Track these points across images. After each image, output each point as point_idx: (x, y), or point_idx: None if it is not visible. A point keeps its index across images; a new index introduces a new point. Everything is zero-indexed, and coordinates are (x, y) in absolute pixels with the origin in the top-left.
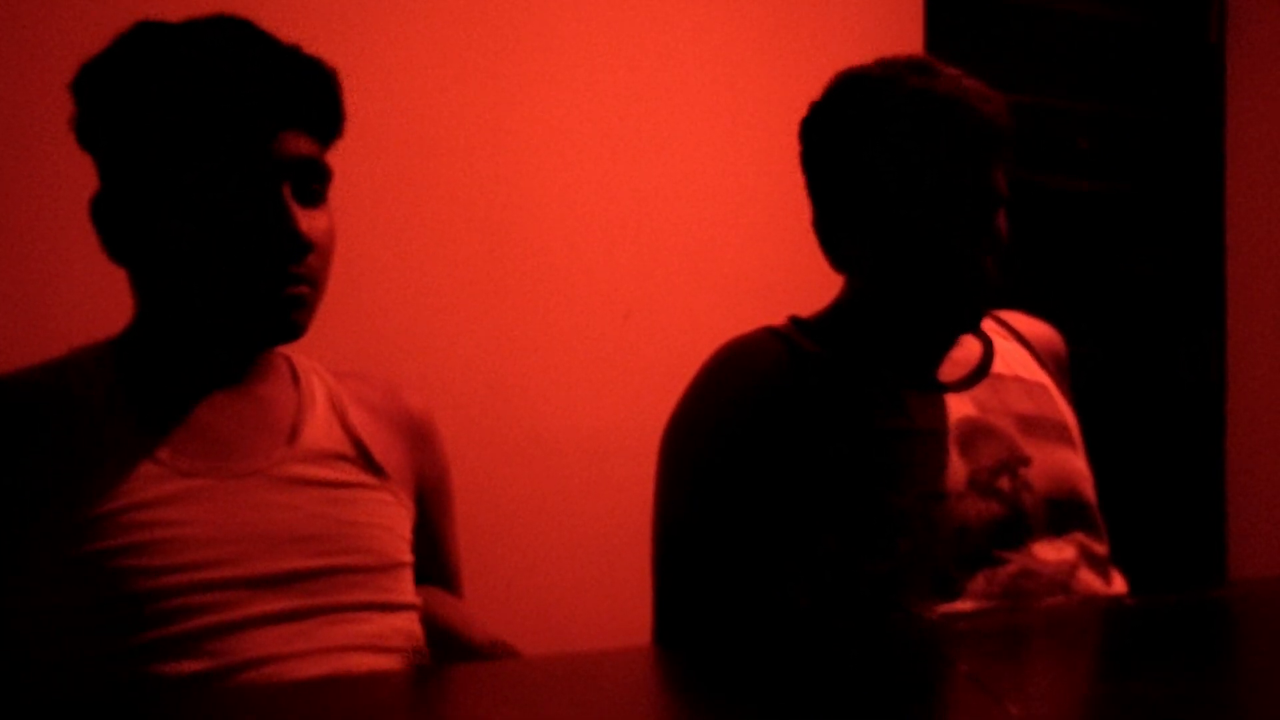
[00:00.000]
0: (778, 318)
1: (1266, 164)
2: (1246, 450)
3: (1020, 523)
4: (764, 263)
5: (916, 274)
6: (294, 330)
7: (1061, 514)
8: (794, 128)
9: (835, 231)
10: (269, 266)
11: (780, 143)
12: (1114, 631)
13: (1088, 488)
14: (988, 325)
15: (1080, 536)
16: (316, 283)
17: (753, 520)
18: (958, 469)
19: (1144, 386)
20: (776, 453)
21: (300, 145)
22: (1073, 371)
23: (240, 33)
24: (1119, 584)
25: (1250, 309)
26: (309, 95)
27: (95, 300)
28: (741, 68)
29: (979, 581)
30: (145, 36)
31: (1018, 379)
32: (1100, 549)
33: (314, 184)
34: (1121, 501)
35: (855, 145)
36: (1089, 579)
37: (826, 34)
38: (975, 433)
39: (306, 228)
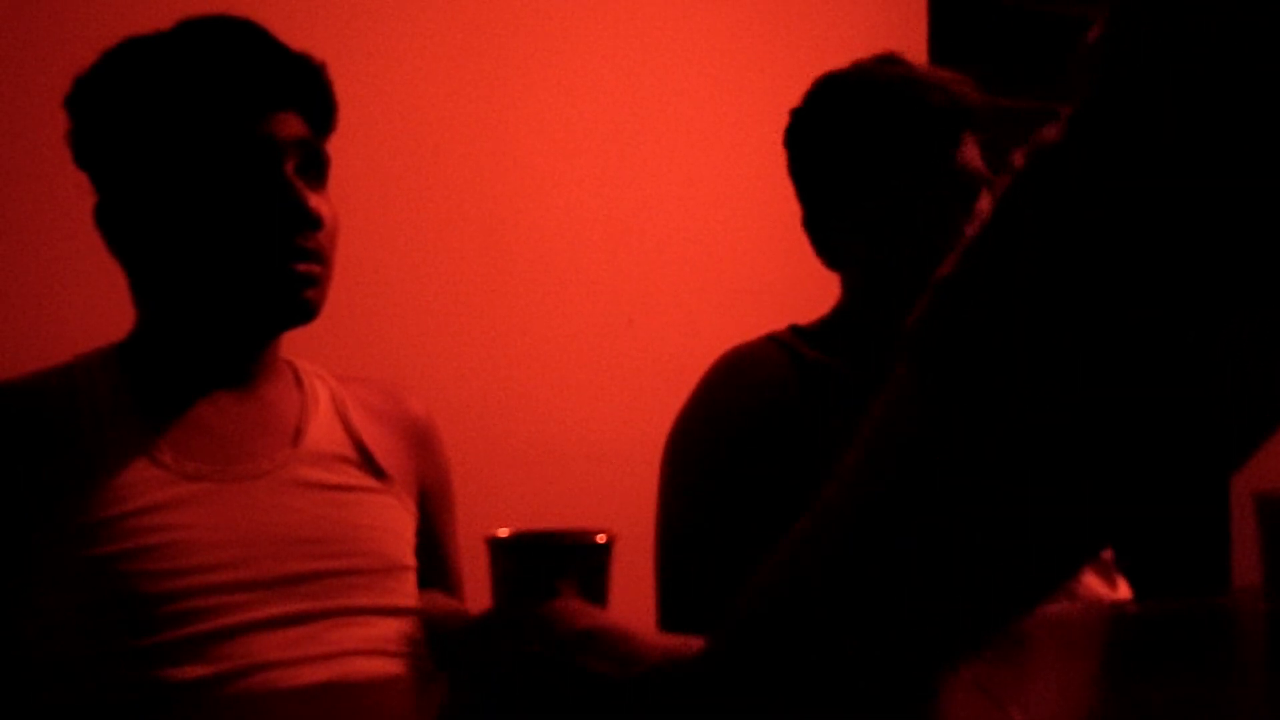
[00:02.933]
0: (781, 325)
1: None
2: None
3: None
4: (767, 270)
5: (903, 257)
6: (307, 309)
7: None
8: None
9: (826, 229)
10: (278, 239)
11: (784, 150)
12: (1117, 637)
13: None
14: None
15: None
16: (326, 262)
17: (756, 527)
18: None
19: None
20: (779, 459)
21: (295, 126)
22: None
23: (225, 27)
24: (1123, 589)
25: None
26: (297, 79)
27: (99, 306)
28: (746, 74)
29: None
30: (131, 50)
31: None
32: (1104, 553)
33: (313, 167)
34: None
35: (833, 142)
36: (1092, 583)
37: (831, 41)
38: None
39: (313, 204)
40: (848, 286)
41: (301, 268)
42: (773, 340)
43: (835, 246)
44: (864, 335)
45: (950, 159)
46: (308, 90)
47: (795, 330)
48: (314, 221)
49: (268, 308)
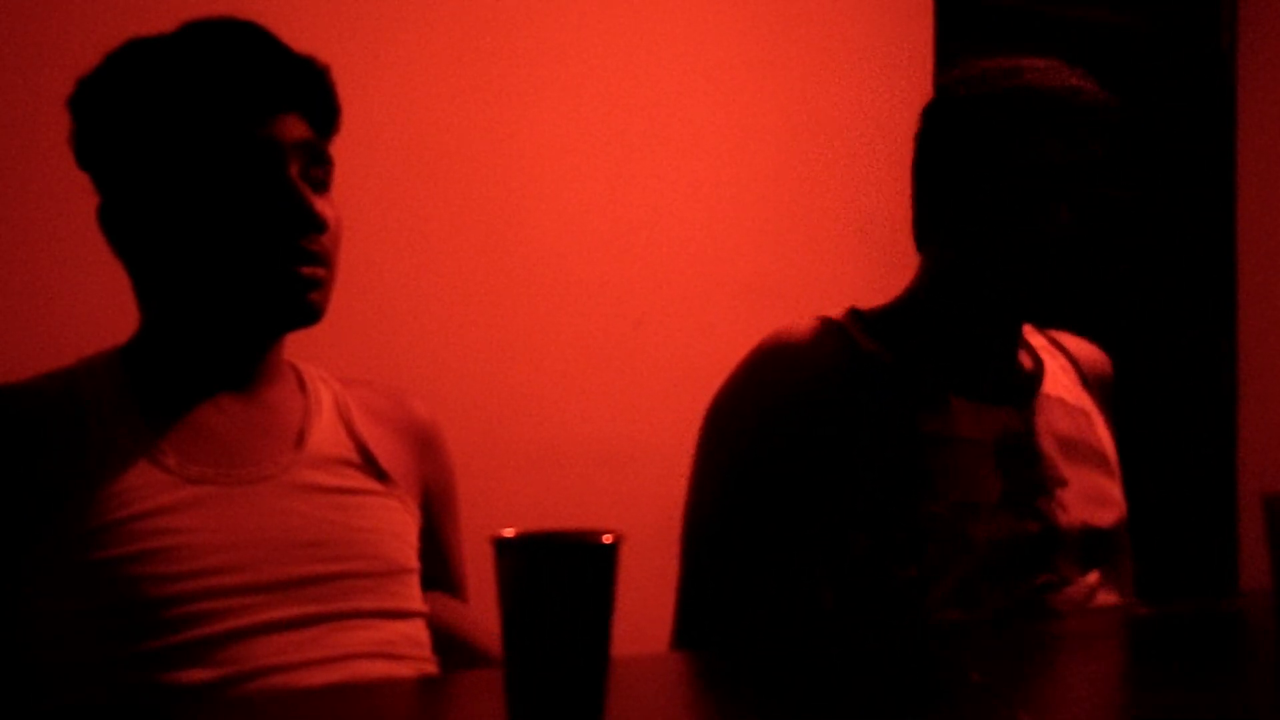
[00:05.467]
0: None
1: (1277, 171)
2: (1258, 458)
3: (1051, 544)
4: (775, 270)
5: (1009, 244)
6: (312, 311)
7: (1092, 541)
8: (805, 133)
9: (940, 205)
10: (282, 242)
11: (791, 148)
12: (1127, 640)
13: (1120, 517)
14: (1039, 343)
15: (1107, 564)
16: (330, 264)
17: (784, 514)
18: (994, 483)
19: (1155, 394)
20: (816, 448)
21: (299, 128)
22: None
23: (229, 29)
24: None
25: (1261, 316)
26: (301, 81)
27: (102, 310)
28: (752, 75)
29: (998, 595)
30: (134, 52)
31: (1061, 401)
32: (1124, 576)
33: (317, 170)
34: (1134, 510)
35: (974, 126)
36: (1106, 601)
37: (837, 43)
38: (1016, 448)
39: (318, 207)
40: (932, 268)
41: (306, 270)
42: (826, 324)
43: (943, 223)
44: (932, 322)
45: (1091, 156)
46: (311, 93)
47: (856, 315)
48: (318, 224)
49: (272, 310)
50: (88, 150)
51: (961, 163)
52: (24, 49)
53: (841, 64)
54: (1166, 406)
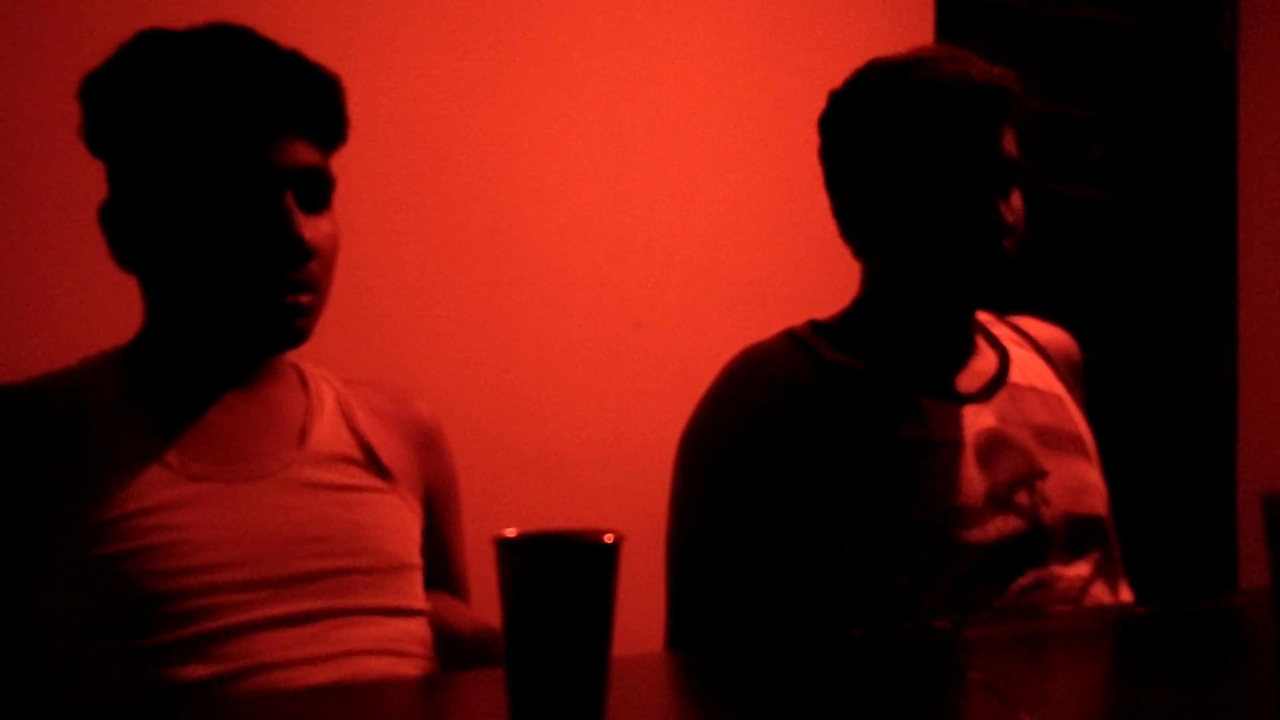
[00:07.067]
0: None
1: (1277, 171)
2: (1257, 458)
3: (1039, 538)
4: (774, 272)
5: (938, 243)
6: (297, 336)
7: (1078, 529)
8: (805, 135)
9: (860, 218)
10: (269, 273)
11: (791, 150)
12: (1126, 639)
13: (1103, 502)
14: (1003, 332)
15: (1096, 552)
16: (319, 288)
17: (770, 530)
18: (978, 483)
19: (1155, 394)
20: (796, 463)
21: (301, 153)
22: (1085, 380)
23: (240, 42)
24: (1126, 596)
25: (1262, 317)
26: (310, 101)
27: (104, 308)
28: (752, 78)
29: (992, 597)
30: (147, 45)
31: (1034, 389)
32: (1113, 563)
33: (317, 191)
34: (1133, 510)
35: (876, 123)
36: (1101, 594)
37: (837, 44)
38: (995, 445)
39: (309, 235)
40: (874, 276)
41: (290, 299)
42: (791, 338)
43: (869, 232)
44: (884, 332)
45: (994, 141)
46: (319, 112)
47: (815, 326)
48: (305, 253)
49: (258, 334)
50: (98, 137)
51: (874, 168)
52: (26, 49)
53: (841, 65)
54: (1166, 406)
